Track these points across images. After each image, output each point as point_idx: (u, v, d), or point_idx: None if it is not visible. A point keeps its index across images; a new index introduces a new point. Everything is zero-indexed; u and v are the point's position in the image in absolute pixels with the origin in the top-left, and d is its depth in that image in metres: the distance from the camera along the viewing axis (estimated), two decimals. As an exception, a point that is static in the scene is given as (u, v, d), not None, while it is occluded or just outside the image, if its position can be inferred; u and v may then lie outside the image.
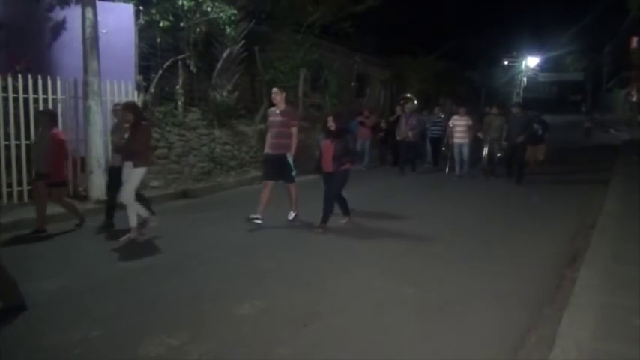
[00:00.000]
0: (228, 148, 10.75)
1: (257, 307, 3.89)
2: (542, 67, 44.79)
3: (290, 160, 6.47)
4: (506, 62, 41.56)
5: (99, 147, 7.43)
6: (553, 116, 31.55)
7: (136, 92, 8.57)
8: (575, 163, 13.68)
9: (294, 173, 6.54)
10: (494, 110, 11.74)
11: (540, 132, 11.31)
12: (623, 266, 4.68)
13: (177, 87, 10.13)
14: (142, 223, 5.88)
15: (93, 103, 7.31)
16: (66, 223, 6.51)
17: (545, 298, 4.19)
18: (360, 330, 3.56)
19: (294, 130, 6.48)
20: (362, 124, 12.82)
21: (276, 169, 6.50)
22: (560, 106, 39.87)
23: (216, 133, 10.64)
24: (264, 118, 12.24)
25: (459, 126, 11.09)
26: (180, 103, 10.18)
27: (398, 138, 12.03)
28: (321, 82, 15.44)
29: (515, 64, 41.92)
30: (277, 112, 6.52)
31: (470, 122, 11.09)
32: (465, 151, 11.02)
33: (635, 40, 22.65)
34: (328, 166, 6.23)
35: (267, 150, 6.64)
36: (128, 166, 5.77)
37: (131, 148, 5.70)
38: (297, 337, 3.42)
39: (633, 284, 4.19)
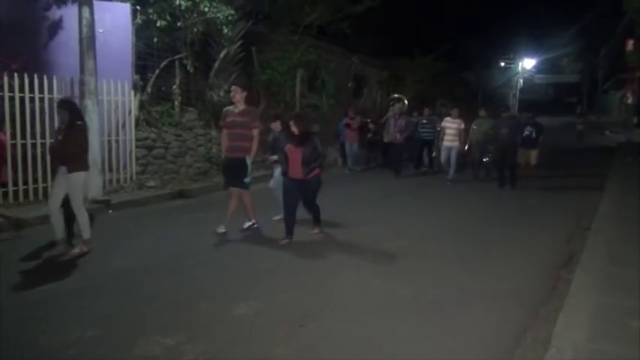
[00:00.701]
0: (224, 148, 10.73)
1: (254, 307, 3.89)
2: (538, 69, 44.91)
3: (249, 163, 5.94)
4: (502, 64, 41.66)
5: (95, 147, 7.40)
6: (549, 118, 31.64)
7: (132, 92, 8.56)
8: (570, 168, 13.23)
9: (248, 179, 5.99)
10: (483, 112, 11.24)
11: (534, 135, 10.81)
12: (619, 267, 4.71)
13: (174, 87, 10.12)
14: (54, 244, 5.26)
15: (89, 103, 7.29)
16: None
17: (541, 298, 4.21)
18: (357, 330, 3.56)
19: (255, 132, 5.99)
20: (348, 125, 12.45)
21: (232, 173, 6.00)
22: (557, 108, 40.04)
23: (213, 133, 10.62)
24: (260, 119, 12.31)
25: (450, 128, 10.65)
26: (177, 103, 10.17)
27: (386, 140, 11.76)
28: (319, 82, 15.43)
29: (512, 65, 42.03)
30: (236, 111, 6.01)
31: (462, 125, 10.68)
32: (453, 155, 10.57)
33: (630, 42, 22.78)
34: (297, 172, 5.63)
35: (225, 154, 6.14)
36: (62, 171, 5.19)
37: (64, 151, 5.15)
38: (293, 338, 3.42)
39: (629, 285, 4.21)
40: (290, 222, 5.82)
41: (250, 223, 6.28)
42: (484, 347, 3.37)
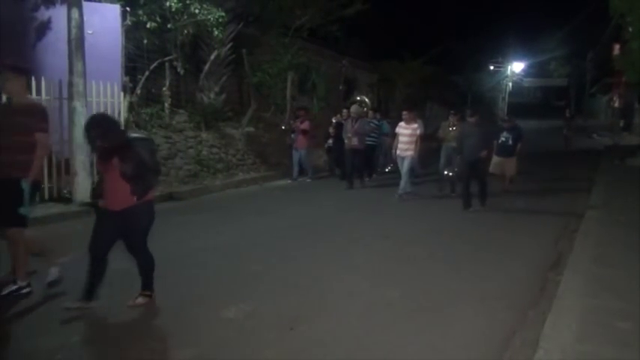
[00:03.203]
0: (215, 150, 10.70)
1: (243, 310, 3.88)
2: (527, 73, 45.38)
3: (26, 187, 3.90)
4: (492, 67, 42.04)
5: (83, 149, 7.34)
6: (538, 121, 32.08)
7: (122, 93, 8.50)
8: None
9: (24, 210, 3.94)
10: (452, 118, 9.60)
11: (511, 141, 9.37)
12: (606, 269, 4.76)
13: (164, 89, 10.08)
14: None
15: (78, 105, 7.23)
16: (51, 225, 6.43)
17: (529, 300, 4.24)
18: (346, 333, 3.56)
19: (41, 137, 3.99)
20: (304, 132, 10.77)
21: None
22: (545, 111, 40.48)
23: (203, 135, 10.59)
24: (252, 121, 12.30)
25: (403, 135, 8.96)
26: (166, 104, 10.13)
27: (347, 147, 10.17)
28: (309, 85, 15.46)
29: (501, 69, 42.42)
30: (13, 108, 4.09)
31: (418, 131, 8.95)
32: (406, 166, 8.85)
33: (617, 47, 23.08)
34: (114, 200, 3.76)
35: None
36: None
37: None
38: (283, 341, 3.42)
39: (616, 287, 4.26)
40: (97, 275, 3.82)
41: (15, 287, 3.99)
42: (473, 349, 3.39)
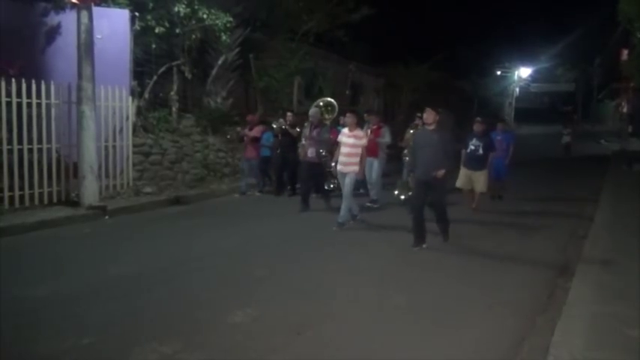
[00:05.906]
0: (221, 154, 10.74)
1: (250, 315, 3.87)
2: (534, 78, 45.22)
3: None
4: (498, 72, 41.91)
5: (92, 152, 7.39)
6: (545, 127, 31.95)
7: (130, 98, 8.55)
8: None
9: None
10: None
11: (481, 151, 7.81)
12: (615, 276, 4.72)
13: (172, 93, 10.13)
14: None
15: (87, 109, 7.28)
16: (59, 228, 6.47)
17: (538, 307, 4.21)
18: (353, 338, 3.55)
19: None
20: (255, 140, 9.50)
21: None
22: (552, 117, 40.36)
23: (210, 139, 10.63)
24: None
25: (345, 145, 6.86)
26: (174, 109, 10.17)
27: (301, 158, 8.37)
28: (316, 89, 15.48)
29: (508, 74, 42.29)
30: None
31: (363, 140, 6.89)
32: (347, 185, 6.78)
33: (625, 52, 22.98)
34: None
35: None
36: None
37: None
38: (290, 346, 3.41)
39: (625, 294, 4.22)
40: None
41: None
42: (481, 355, 3.37)
